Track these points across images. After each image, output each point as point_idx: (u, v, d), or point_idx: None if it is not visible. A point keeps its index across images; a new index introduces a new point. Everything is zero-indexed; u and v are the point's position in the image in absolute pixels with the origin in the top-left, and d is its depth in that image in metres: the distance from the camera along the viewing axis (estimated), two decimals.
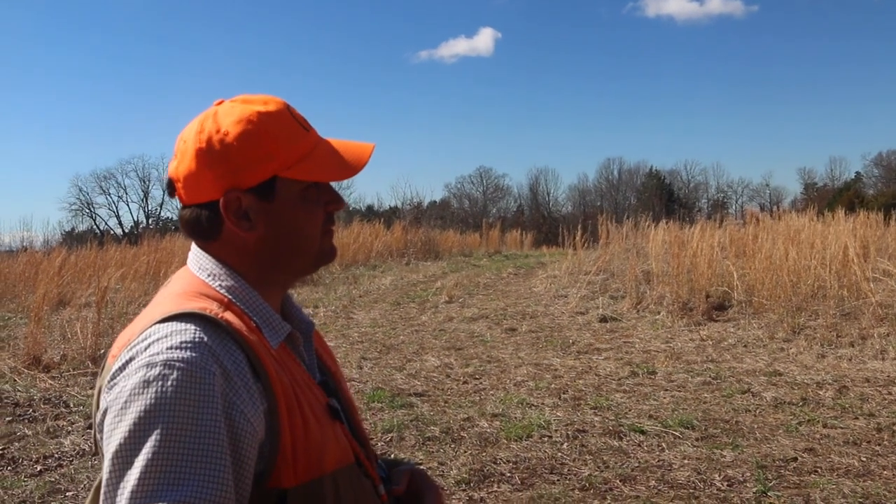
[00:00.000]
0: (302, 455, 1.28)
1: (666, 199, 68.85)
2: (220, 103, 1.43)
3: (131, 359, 1.22)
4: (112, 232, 57.37)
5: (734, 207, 74.68)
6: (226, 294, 1.38)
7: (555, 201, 78.85)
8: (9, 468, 4.98)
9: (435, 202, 59.24)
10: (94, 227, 65.84)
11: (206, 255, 1.42)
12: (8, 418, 5.94)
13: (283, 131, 1.38)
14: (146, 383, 1.17)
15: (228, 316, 1.31)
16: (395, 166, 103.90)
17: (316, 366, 1.52)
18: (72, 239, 41.12)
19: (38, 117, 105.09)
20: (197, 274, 1.42)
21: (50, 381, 7.01)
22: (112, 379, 1.23)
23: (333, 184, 1.49)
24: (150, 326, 1.27)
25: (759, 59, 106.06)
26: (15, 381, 7.00)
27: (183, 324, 1.26)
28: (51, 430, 5.69)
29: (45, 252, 16.54)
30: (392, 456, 5.05)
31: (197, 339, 1.23)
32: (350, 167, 1.42)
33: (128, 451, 1.13)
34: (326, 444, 1.34)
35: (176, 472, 1.12)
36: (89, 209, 69.00)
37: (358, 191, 70.54)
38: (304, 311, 1.59)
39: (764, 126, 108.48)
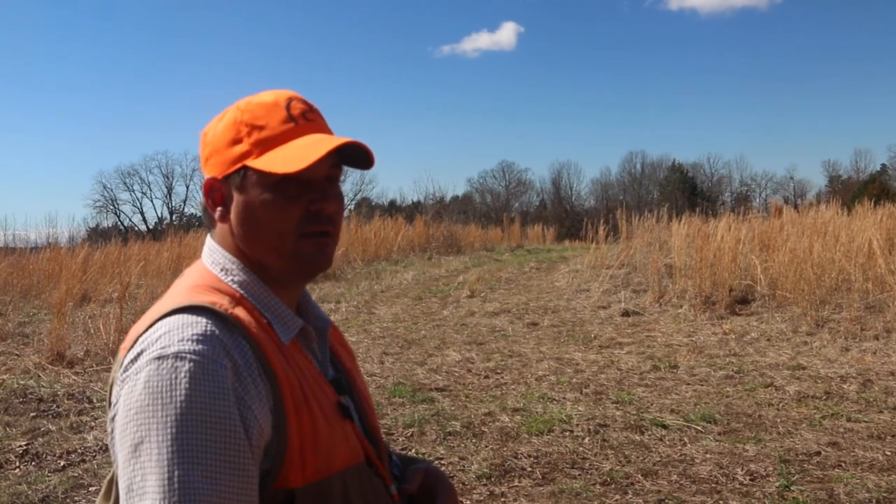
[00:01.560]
0: (310, 454, 1.26)
1: (689, 192, 68.39)
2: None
3: (142, 351, 1.21)
4: (136, 228, 57.90)
5: (758, 201, 74.23)
6: (238, 289, 1.37)
7: (577, 195, 78.74)
8: (33, 463, 5.02)
9: (457, 197, 59.19)
10: (119, 223, 66.51)
11: (218, 247, 1.42)
12: (32, 414, 5.99)
13: (259, 121, 1.36)
14: (158, 375, 1.16)
15: (239, 311, 1.30)
16: (417, 161, 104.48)
17: (329, 363, 1.50)
18: (96, 235, 41.44)
19: (64, 115, 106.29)
20: (210, 268, 1.41)
21: (73, 377, 7.06)
22: (124, 371, 1.22)
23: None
24: (161, 318, 1.26)
25: (783, 51, 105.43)
26: (39, 376, 7.05)
27: (194, 316, 1.25)
28: (74, 425, 5.73)
29: (68, 248, 16.62)
30: (413, 451, 5.05)
31: (208, 332, 1.22)
32: (303, 159, 1.30)
33: (146, 445, 1.12)
34: (335, 442, 1.32)
35: (199, 465, 1.11)
36: (113, 206, 69.76)
37: (380, 185, 70.75)
38: (326, 306, 1.57)
39: (788, 119, 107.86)
